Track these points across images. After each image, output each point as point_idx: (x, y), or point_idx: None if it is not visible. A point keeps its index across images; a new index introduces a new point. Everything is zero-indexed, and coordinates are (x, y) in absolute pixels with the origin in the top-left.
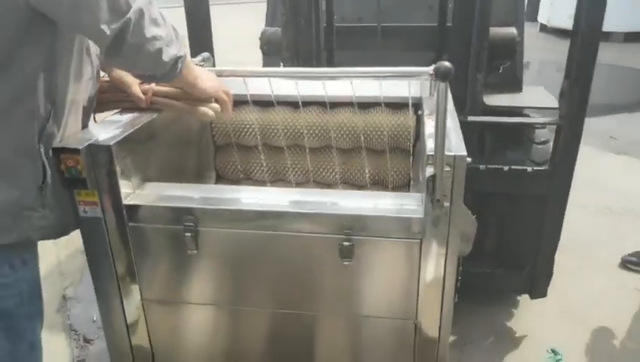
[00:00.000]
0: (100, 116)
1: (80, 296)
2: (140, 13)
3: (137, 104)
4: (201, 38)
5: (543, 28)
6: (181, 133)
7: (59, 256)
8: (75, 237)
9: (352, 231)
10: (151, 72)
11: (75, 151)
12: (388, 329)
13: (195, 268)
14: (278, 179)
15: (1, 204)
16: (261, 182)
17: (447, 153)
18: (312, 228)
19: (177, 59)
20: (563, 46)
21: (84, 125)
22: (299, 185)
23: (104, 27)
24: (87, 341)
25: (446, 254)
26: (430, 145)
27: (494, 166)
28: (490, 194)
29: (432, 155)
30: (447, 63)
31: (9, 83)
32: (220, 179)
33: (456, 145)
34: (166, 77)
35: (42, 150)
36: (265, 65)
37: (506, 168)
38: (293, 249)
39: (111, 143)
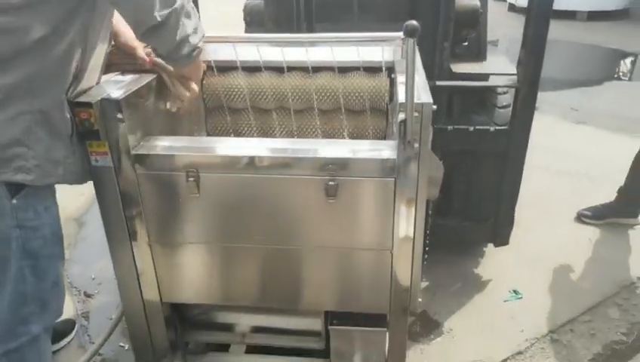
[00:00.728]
0: (102, 77)
1: (76, 258)
2: (182, 5)
3: (142, 65)
4: None
5: (512, 7)
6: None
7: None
8: (67, 206)
9: (336, 172)
10: (173, 54)
11: (88, 105)
12: (368, 259)
13: (197, 211)
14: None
15: (45, 152)
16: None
17: (415, 101)
18: (301, 170)
19: (195, 49)
20: None
21: (93, 84)
22: None
23: (156, 14)
24: (88, 296)
25: (417, 190)
26: (402, 94)
27: (461, 127)
28: (457, 153)
29: (403, 103)
30: (414, 22)
31: (55, 46)
32: None
33: (423, 94)
34: (181, 61)
35: (70, 103)
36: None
37: (471, 128)
38: (285, 190)
39: (120, 98)
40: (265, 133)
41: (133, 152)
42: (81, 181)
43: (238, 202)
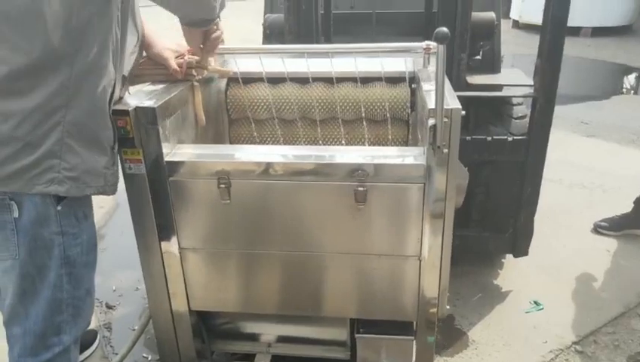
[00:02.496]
0: (132, 88)
1: (98, 270)
2: None
3: (174, 75)
4: None
5: (515, 24)
6: (203, 105)
7: None
8: None
9: (365, 178)
10: (207, 16)
11: (125, 112)
12: (396, 266)
13: (228, 217)
14: None
15: (81, 163)
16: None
17: (445, 107)
18: (330, 176)
19: (220, 5)
20: (534, 41)
21: (122, 95)
22: None
23: None
24: (109, 307)
25: (445, 195)
26: (431, 101)
27: (479, 137)
28: (475, 163)
29: (433, 109)
30: (444, 28)
31: (85, 56)
32: None
33: (451, 100)
34: (209, 22)
35: (111, 114)
36: None
37: (489, 138)
38: (314, 196)
39: (155, 106)
40: (288, 143)
41: (166, 159)
42: (115, 191)
43: (267, 208)
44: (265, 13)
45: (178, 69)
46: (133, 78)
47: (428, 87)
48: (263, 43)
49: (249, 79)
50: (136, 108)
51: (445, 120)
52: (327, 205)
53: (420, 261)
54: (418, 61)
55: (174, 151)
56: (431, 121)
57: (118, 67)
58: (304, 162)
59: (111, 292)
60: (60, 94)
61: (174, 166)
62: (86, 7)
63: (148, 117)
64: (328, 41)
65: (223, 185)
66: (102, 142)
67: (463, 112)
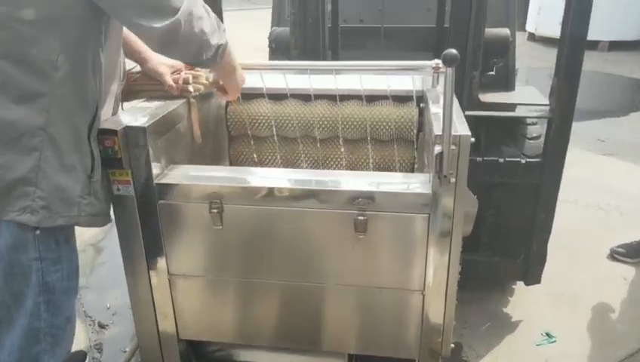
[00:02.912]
0: (127, 104)
1: (92, 285)
2: (189, 13)
3: (170, 92)
4: None
5: (531, 37)
6: (201, 122)
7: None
8: (84, 232)
9: (366, 207)
10: (195, 60)
11: (113, 132)
12: (398, 300)
13: (220, 243)
14: (289, 168)
15: (54, 190)
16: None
17: (453, 133)
18: (329, 204)
19: (219, 48)
20: (551, 54)
21: (113, 114)
22: None
23: (154, 25)
24: (102, 326)
25: (452, 227)
26: (437, 126)
27: (491, 158)
28: (486, 185)
29: (440, 135)
30: (453, 50)
31: (69, 72)
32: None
33: (460, 126)
34: (208, 63)
35: (91, 141)
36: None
37: (501, 160)
38: (312, 224)
39: (145, 125)
40: (289, 162)
41: (156, 181)
42: (98, 224)
43: (262, 235)
44: (272, 26)
45: (173, 84)
46: (128, 94)
47: (435, 110)
48: (270, 57)
49: (250, 95)
50: (126, 128)
51: (453, 147)
52: (325, 234)
53: (424, 295)
54: (427, 79)
55: (165, 173)
56: (437, 149)
57: (102, 91)
58: (300, 188)
59: (104, 311)
60: (39, 117)
61: (164, 188)
62: (66, 31)
63: (137, 137)
64: (335, 55)
65: (215, 210)
66: (78, 168)
67: (472, 139)
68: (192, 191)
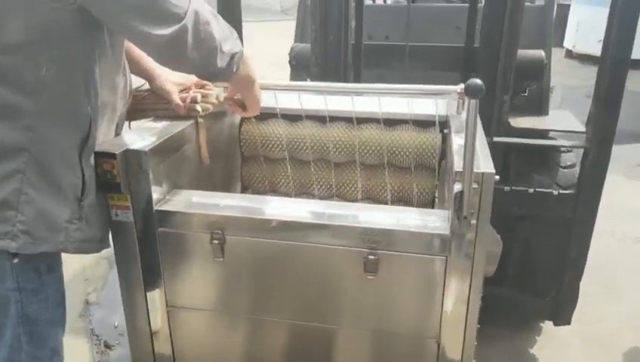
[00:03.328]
0: (134, 123)
1: (102, 301)
2: (195, 18)
3: (176, 111)
4: None
5: (569, 54)
6: (210, 142)
7: (83, 261)
8: None
9: (377, 245)
10: (207, 71)
11: (112, 155)
12: (410, 348)
13: (221, 276)
14: (302, 193)
15: (39, 215)
16: (285, 195)
17: (475, 170)
18: (337, 240)
19: (233, 56)
20: (588, 72)
21: (117, 135)
22: (322, 199)
23: (158, 32)
24: (107, 346)
25: (472, 272)
26: (458, 161)
27: (519, 188)
28: (514, 216)
29: (460, 172)
30: (477, 81)
31: (56, 89)
32: (245, 190)
33: (484, 162)
34: (223, 74)
35: (83, 162)
36: (292, 79)
37: (531, 190)
38: (319, 261)
39: (146, 149)
40: (302, 186)
41: (156, 208)
42: (90, 250)
43: (265, 270)
44: (294, 42)
45: (180, 103)
46: (135, 113)
47: (458, 141)
48: (290, 74)
49: (265, 115)
50: (126, 151)
51: (474, 186)
52: (333, 272)
53: (439, 344)
54: (452, 103)
55: (167, 198)
56: (457, 187)
57: (98, 110)
58: (307, 221)
59: (112, 330)
60: (23, 136)
61: (164, 215)
62: (53, 46)
63: (138, 161)
64: (358, 74)
65: (216, 241)
66: (66, 192)
67: (497, 177)
68: (192, 219)
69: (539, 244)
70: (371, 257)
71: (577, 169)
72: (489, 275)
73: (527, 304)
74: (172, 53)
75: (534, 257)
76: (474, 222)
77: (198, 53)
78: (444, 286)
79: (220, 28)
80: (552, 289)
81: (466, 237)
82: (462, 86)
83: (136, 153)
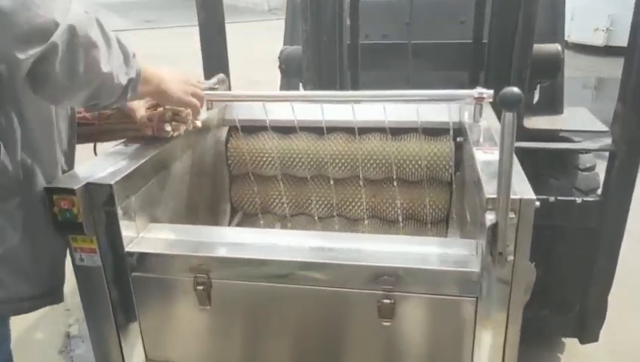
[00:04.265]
0: (100, 147)
1: (85, 334)
2: (71, 35)
3: (143, 132)
4: (216, 58)
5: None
6: (193, 163)
7: (65, 289)
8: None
9: (393, 287)
10: (90, 104)
11: (70, 191)
12: None
13: (209, 327)
14: (299, 213)
15: None
16: (280, 216)
17: (512, 196)
18: (345, 282)
19: (127, 85)
20: (584, 62)
21: (69, 159)
22: (322, 219)
23: (17, 52)
24: None
25: (508, 316)
26: (487, 182)
27: (538, 196)
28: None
29: (493, 199)
30: (514, 89)
31: None
32: (236, 212)
33: (520, 185)
34: (115, 105)
35: None
36: (283, 85)
37: (552, 199)
38: (324, 306)
39: (112, 182)
40: (299, 206)
41: (127, 249)
42: (8, 312)
43: (260, 318)
44: (284, 45)
45: (147, 122)
46: (101, 135)
47: (482, 158)
48: (281, 80)
49: (255, 127)
50: (87, 186)
51: (511, 216)
52: (341, 319)
53: None
54: (465, 107)
55: (141, 236)
56: (490, 218)
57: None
58: (307, 260)
59: None
60: None
61: (138, 258)
62: None
63: (103, 196)
64: (355, 77)
65: (200, 287)
66: None
67: (537, 203)
68: (170, 262)
69: (561, 256)
70: (386, 301)
71: (598, 171)
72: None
73: (550, 321)
74: (36, 85)
75: (557, 271)
76: (511, 258)
77: (76, 84)
78: (474, 333)
79: (110, 52)
80: (577, 305)
81: (500, 275)
82: (479, 90)
83: (101, 187)
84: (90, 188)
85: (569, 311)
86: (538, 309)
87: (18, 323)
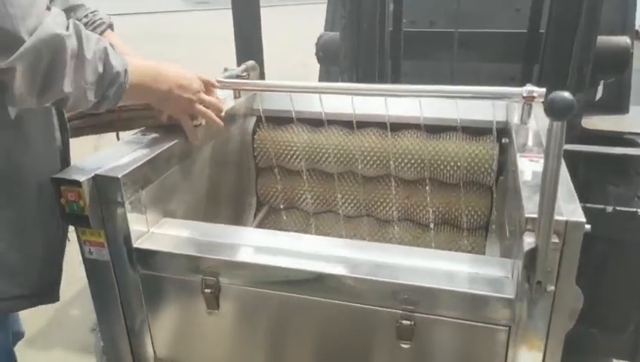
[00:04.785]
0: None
1: None
2: (33, 56)
3: (160, 119)
4: (249, 43)
5: (636, 35)
6: (217, 153)
7: None
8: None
9: (414, 307)
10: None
11: (76, 183)
12: None
13: (216, 331)
14: (326, 210)
15: None
16: (307, 213)
17: (557, 217)
18: (360, 297)
19: (101, 101)
20: None
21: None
22: (351, 218)
23: None
24: None
25: (545, 350)
26: (528, 200)
27: (594, 206)
28: (585, 239)
29: (534, 219)
30: (565, 94)
31: None
32: (262, 206)
33: (568, 204)
34: (104, 105)
35: None
36: (322, 74)
37: (609, 209)
38: (337, 320)
39: (120, 175)
40: (326, 202)
41: (135, 245)
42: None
43: (269, 328)
44: (325, 30)
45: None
46: (123, 123)
47: (527, 166)
48: (320, 68)
49: (282, 118)
50: (95, 177)
51: (555, 240)
52: (356, 336)
53: None
54: (515, 106)
55: (152, 232)
56: (528, 241)
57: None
58: (322, 272)
59: None
60: None
61: (145, 255)
62: None
63: (110, 190)
64: (397, 66)
65: (208, 290)
66: None
67: (588, 226)
68: (177, 261)
69: (616, 272)
70: (405, 322)
71: None
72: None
73: (600, 340)
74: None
75: (610, 287)
76: (552, 288)
77: (34, 97)
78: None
79: (83, 70)
80: (630, 325)
81: (538, 304)
82: (529, 88)
83: (108, 180)
84: (98, 180)
85: (621, 331)
86: (587, 326)
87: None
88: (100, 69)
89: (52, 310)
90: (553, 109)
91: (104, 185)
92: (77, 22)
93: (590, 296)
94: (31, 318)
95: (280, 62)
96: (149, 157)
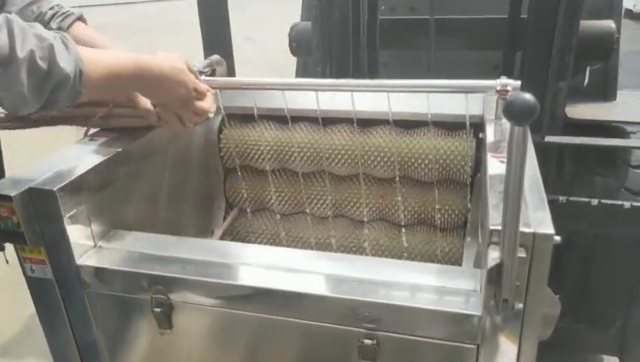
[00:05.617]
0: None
1: None
2: None
3: (147, 118)
4: (215, 36)
5: (628, 14)
6: (179, 154)
7: None
8: None
9: (375, 326)
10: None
11: (7, 198)
12: None
13: (172, 351)
14: (298, 211)
15: None
16: (281, 214)
17: (523, 229)
18: (320, 315)
19: (48, 104)
20: None
21: None
22: (323, 220)
23: None
24: None
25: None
26: (496, 213)
27: (579, 199)
28: (570, 233)
29: (498, 231)
30: (526, 95)
31: None
32: (231, 208)
33: (536, 214)
34: (60, 104)
35: None
36: (299, 67)
37: (594, 202)
38: (297, 340)
39: (55, 188)
40: (298, 204)
41: (78, 262)
42: None
43: (226, 347)
44: (301, 20)
45: (152, 108)
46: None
47: (496, 168)
48: (297, 61)
49: (250, 116)
50: (29, 191)
51: (521, 255)
52: (317, 357)
53: None
54: (490, 100)
55: (99, 246)
56: (493, 256)
57: None
58: (278, 289)
59: None
60: None
61: (90, 272)
62: None
63: (45, 205)
64: (373, 56)
65: (158, 309)
66: None
67: (557, 238)
68: (123, 278)
69: (602, 267)
70: (367, 342)
71: None
72: (543, 339)
73: (586, 336)
74: None
75: (596, 282)
76: (520, 306)
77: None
78: None
79: (17, 74)
80: (618, 320)
81: (506, 322)
82: (502, 81)
83: (43, 193)
84: (33, 193)
85: (607, 327)
86: (572, 322)
87: None
88: (43, 69)
89: (22, 319)
90: (513, 113)
91: (39, 199)
92: (10, 16)
93: (579, 291)
94: (1, 328)
95: (272, 47)
96: (94, 165)
